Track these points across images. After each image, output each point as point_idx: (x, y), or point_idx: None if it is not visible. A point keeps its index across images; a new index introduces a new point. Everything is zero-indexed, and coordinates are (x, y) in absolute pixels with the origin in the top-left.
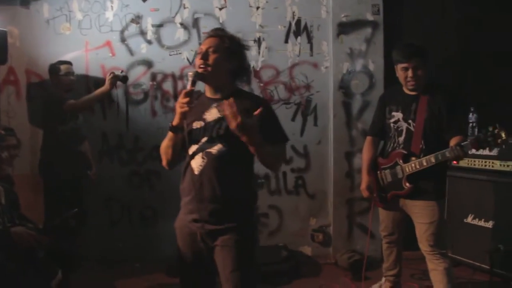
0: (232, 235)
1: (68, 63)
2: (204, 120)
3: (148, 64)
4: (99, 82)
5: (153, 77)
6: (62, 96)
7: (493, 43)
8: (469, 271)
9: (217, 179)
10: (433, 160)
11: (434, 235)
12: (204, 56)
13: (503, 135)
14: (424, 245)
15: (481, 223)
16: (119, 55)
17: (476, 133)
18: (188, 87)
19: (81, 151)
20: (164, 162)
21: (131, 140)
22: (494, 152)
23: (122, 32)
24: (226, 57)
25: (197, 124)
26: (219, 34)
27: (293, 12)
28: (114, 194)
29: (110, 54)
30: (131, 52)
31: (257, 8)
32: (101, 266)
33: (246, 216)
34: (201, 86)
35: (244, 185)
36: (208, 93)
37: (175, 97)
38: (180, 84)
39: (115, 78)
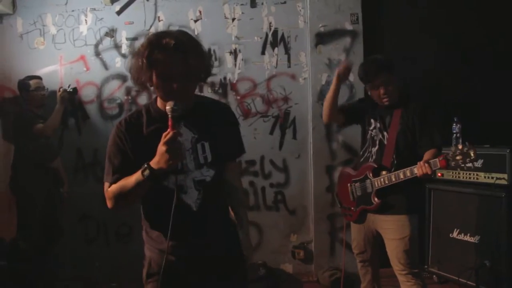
0: (235, 265)
1: (38, 77)
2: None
3: (123, 78)
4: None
5: (128, 91)
6: (32, 116)
7: (480, 51)
8: None
9: (218, 210)
10: (401, 176)
11: (405, 252)
12: (183, 88)
13: (472, 154)
14: (394, 264)
15: (467, 238)
16: (93, 69)
17: (460, 143)
18: (172, 127)
19: (53, 167)
20: (116, 206)
21: (106, 156)
22: (478, 163)
23: (96, 46)
24: (197, 77)
25: None
26: (183, 50)
27: (270, 23)
28: (90, 211)
29: (85, 69)
30: (105, 66)
31: (233, 19)
32: (76, 285)
33: (238, 244)
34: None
35: (227, 208)
36: (163, 106)
37: None
38: None
39: (64, 93)
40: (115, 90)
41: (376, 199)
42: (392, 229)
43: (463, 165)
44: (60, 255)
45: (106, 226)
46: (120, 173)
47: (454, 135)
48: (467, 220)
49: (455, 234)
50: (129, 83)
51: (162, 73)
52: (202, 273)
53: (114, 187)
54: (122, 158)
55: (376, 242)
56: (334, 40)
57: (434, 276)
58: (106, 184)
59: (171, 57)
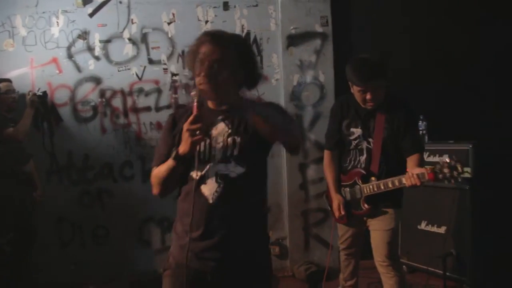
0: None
1: (8, 80)
2: (210, 136)
3: (97, 80)
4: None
5: (102, 93)
6: (3, 119)
7: (444, 52)
8: (424, 277)
9: (239, 207)
10: (390, 185)
11: (388, 244)
12: (209, 74)
13: (459, 167)
14: (377, 255)
15: (434, 228)
16: (66, 71)
17: (426, 140)
18: (195, 111)
19: (26, 171)
20: (157, 191)
21: (80, 159)
22: (444, 157)
23: (69, 48)
24: (235, 71)
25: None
26: (224, 42)
27: (242, 25)
28: (65, 214)
29: (57, 71)
30: (78, 69)
31: (206, 22)
32: None
33: (266, 253)
34: None
35: (262, 214)
36: (210, 103)
37: (125, 113)
38: (129, 100)
39: (34, 96)
40: (89, 92)
41: (366, 205)
42: (379, 220)
43: (450, 178)
44: (36, 259)
45: (81, 228)
46: (163, 159)
47: (420, 132)
48: (434, 212)
49: (423, 226)
50: (103, 85)
51: (198, 60)
52: (213, 278)
53: (154, 172)
54: (166, 146)
55: (362, 238)
56: (305, 42)
57: (404, 266)
58: (153, 169)
59: (205, 48)
